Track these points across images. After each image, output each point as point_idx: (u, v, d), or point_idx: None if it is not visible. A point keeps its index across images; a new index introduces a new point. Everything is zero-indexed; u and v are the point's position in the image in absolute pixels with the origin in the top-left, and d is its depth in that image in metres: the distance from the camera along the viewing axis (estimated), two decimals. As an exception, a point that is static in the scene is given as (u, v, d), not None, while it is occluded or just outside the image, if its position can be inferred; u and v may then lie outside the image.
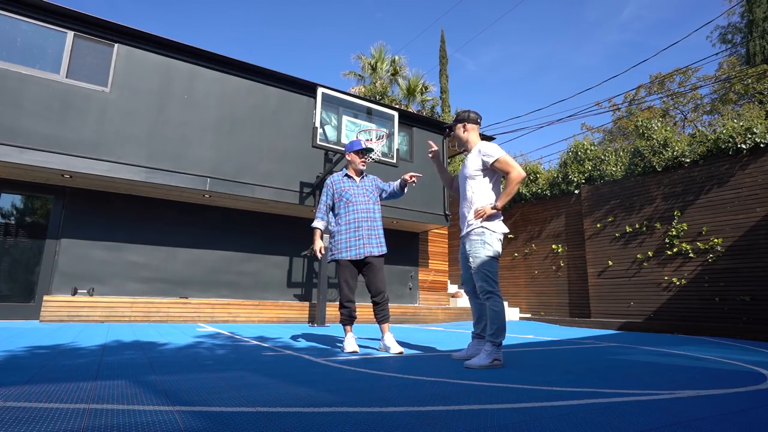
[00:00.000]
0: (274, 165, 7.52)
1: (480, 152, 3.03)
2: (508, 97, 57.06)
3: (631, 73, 47.36)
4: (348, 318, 3.56)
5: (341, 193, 3.60)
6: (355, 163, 3.70)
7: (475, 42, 54.49)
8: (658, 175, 7.89)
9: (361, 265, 3.52)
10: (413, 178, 3.50)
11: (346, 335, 3.60)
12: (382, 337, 3.54)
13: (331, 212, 3.71)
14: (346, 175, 3.71)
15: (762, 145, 6.67)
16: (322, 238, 3.72)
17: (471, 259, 2.95)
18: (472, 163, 3.05)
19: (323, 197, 3.68)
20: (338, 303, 3.56)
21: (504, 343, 4.69)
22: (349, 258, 3.47)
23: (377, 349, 3.65)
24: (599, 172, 9.21)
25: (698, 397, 2.00)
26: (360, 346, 3.91)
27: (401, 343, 4.23)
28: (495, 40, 56.85)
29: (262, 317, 7.23)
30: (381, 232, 3.59)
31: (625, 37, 45.35)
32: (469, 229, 3.00)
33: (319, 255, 3.56)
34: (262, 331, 5.46)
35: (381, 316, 3.53)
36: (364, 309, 7.91)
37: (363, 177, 3.74)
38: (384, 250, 3.55)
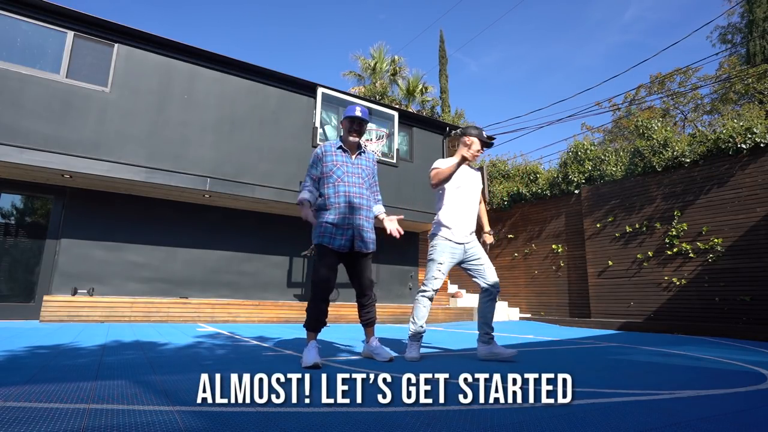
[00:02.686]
0: (274, 165, 7.52)
1: (482, 174, 3.47)
2: (509, 97, 57.04)
3: (632, 73, 47.41)
4: (315, 321, 2.80)
5: (332, 168, 2.92)
6: (344, 134, 3.01)
7: (478, 43, 54.53)
8: (658, 175, 7.89)
9: (347, 258, 2.91)
10: (393, 232, 3.04)
11: (308, 343, 2.73)
12: (367, 341, 3.04)
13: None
14: (341, 147, 2.99)
15: (762, 145, 6.67)
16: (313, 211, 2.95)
17: (487, 259, 3.26)
18: (479, 181, 3.41)
19: (310, 169, 2.99)
20: (309, 300, 2.86)
21: (504, 343, 4.69)
22: (333, 247, 2.81)
23: (361, 356, 3.11)
24: (599, 172, 9.20)
25: (698, 397, 2.00)
26: (354, 352, 3.88)
27: (402, 344, 4.22)
28: (497, 41, 56.82)
29: (262, 317, 7.22)
30: (373, 224, 3.05)
31: (628, 38, 45.33)
32: (473, 237, 3.30)
33: (314, 222, 2.88)
34: (262, 331, 5.46)
35: (367, 318, 3.04)
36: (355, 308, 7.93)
37: (360, 153, 3.04)
38: (374, 247, 3.01)
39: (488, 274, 3.20)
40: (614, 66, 47.40)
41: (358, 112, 2.93)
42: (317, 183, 2.97)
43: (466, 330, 6.63)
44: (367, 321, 3.06)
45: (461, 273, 13.26)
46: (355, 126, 2.95)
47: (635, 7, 43.05)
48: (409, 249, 9.96)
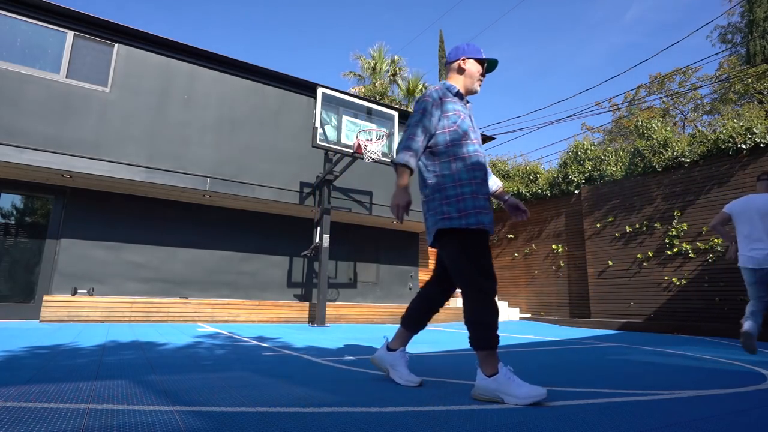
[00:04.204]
0: (274, 165, 7.52)
1: None
2: (510, 97, 57.05)
3: (632, 73, 47.40)
4: (497, 337, 1.91)
5: (456, 121, 2.10)
6: (471, 79, 2.25)
7: (480, 44, 54.37)
8: (658, 175, 7.88)
9: None
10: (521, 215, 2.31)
11: (502, 370, 1.84)
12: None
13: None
14: (459, 93, 2.21)
15: (762, 145, 6.67)
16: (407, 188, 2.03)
17: None
18: None
19: (423, 118, 2.10)
20: (480, 308, 1.93)
21: (504, 343, 4.69)
22: (487, 227, 2.00)
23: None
24: (599, 172, 9.20)
25: (698, 397, 2.00)
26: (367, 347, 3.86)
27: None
28: (499, 42, 56.88)
29: (262, 317, 7.22)
30: None
31: (629, 39, 45.39)
32: None
33: (401, 216, 2.00)
34: (262, 331, 5.46)
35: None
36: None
37: (467, 104, 2.30)
38: None
39: None
40: (616, 67, 47.42)
41: (482, 54, 2.26)
42: (428, 140, 2.12)
43: (467, 330, 6.62)
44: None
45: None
46: (484, 72, 2.28)
47: (636, 8, 43.10)
48: (410, 249, 9.97)
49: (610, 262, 8.27)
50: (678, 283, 7.29)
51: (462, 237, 1.98)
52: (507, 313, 9.65)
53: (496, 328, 1.91)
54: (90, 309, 6.07)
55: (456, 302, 10.15)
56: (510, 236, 10.56)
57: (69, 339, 3.85)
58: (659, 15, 40.99)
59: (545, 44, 56.01)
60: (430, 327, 7.39)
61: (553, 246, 9.51)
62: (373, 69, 20.27)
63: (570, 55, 54.52)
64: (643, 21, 43.29)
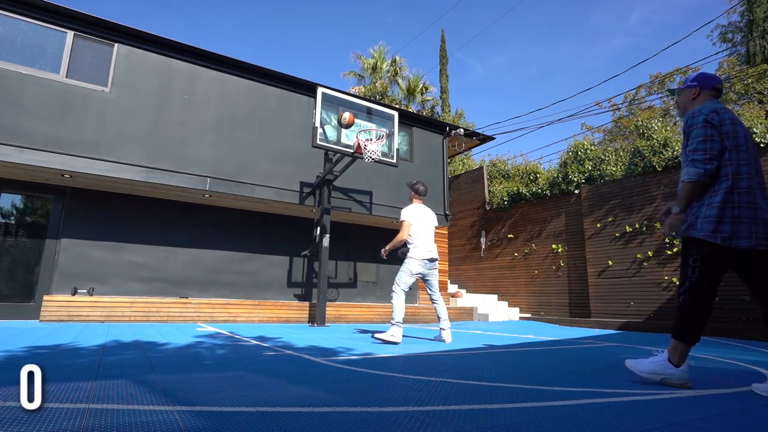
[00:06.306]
0: (274, 165, 7.52)
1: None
2: (513, 99, 57.00)
3: (632, 73, 47.43)
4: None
5: (730, 132, 2.14)
6: (712, 101, 2.30)
7: (484, 46, 54.59)
8: (658, 174, 7.88)
9: (746, 260, 2.19)
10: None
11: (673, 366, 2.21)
12: None
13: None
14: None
15: (762, 145, 6.67)
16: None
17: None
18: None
19: (709, 131, 2.15)
20: (684, 314, 2.23)
21: (504, 342, 4.69)
22: (739, 247, 2.08)
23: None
24: (599, 172, 9.20)
25: (698, 397, 2.00)
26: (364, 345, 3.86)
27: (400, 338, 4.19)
28: (503, 44, 56.97)
29: (262, 317, 7.22)
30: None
31: (633, 40, 45.40)
32: None
33: (670, 231, 2.15)
34: (262, 331, 5.46)
35: None
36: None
37: None
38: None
39: None
40: (619, 68, 47.43)
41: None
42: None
43: (467, 330, 6.63)
44: None
45: (460, 274, 13.19)
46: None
47: (640, 10, 43.14)
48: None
49: (610, 262, 8.27)
50: (678, 283, 7.28)
51: (712, 250, 2.22)
52: (507, 312, 9.65)
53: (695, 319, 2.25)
54: (90, 309, 6.07)
55: (456, 302, 10.15)
56: (510, 236, 10.56)
57: (69, 339, 3.85)
58: (663, 17, 41.03)
59: (549, 46, 56.05)
60: (431, 327, 7.38)
61: (553, 246, 9.51)
62: (374, 69, 20.28)
63: (574, 57, 54.54)
64: (647, 23, 43.36)
